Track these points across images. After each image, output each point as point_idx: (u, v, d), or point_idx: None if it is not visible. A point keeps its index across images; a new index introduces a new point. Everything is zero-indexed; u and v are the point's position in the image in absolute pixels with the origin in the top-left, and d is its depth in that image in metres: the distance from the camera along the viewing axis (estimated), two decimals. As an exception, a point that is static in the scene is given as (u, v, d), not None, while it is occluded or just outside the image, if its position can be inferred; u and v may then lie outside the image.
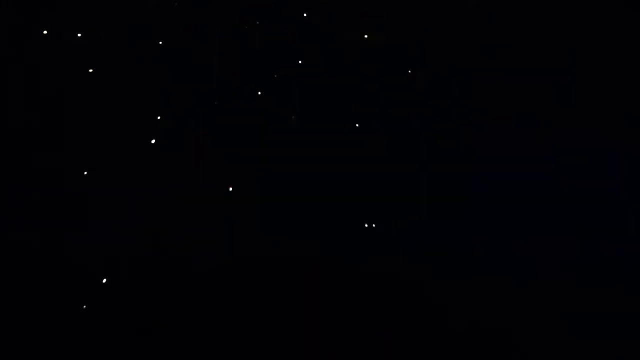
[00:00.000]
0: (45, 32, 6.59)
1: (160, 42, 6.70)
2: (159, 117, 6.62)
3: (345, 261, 6.45)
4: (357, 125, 6.73)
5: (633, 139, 6.76)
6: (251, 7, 6.75)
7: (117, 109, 6.74)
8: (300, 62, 6.73)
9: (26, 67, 6.64)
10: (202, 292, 6.47)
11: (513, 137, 6.91)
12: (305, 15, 6.73)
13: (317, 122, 6.71)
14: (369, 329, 6.35)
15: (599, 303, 6.44)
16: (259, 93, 6.70)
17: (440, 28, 6.84)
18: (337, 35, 6.79)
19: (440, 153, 6.84)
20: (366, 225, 6.66)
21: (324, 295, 6.46)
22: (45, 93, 6.68)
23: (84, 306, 6.23)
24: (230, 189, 6.53)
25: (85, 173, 6.63)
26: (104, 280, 6.38)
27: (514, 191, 6.79)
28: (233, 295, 6.57)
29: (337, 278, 6.46)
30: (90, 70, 6.60)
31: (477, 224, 6.74)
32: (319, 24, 6.78)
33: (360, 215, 6.64)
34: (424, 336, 6.33)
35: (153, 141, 6.64)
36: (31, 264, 6.36)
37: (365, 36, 6.61)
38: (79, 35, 6.64)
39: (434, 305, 6.43)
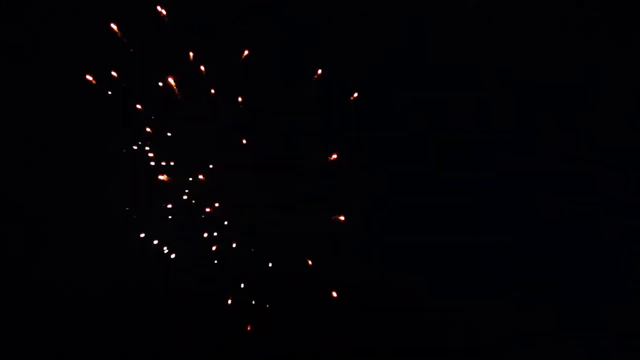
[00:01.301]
0: (44, 31, 6.55)
1: (159, 43, 6.67)
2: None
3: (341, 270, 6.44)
4: (357, 125, 6.70)
5: (631, 139, 6.75)
6: (251, 7, 6.71)
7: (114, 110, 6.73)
8: (300, 62, 6.70)
9: (25, 67, 6.61)
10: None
11: (513, 137, 6.88)
12: (305, 15, 6.69)
13: (316, 123, 6.69)
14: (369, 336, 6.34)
15: (597, 304, 6.45)
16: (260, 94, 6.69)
17: (441, 28, 6.80)
18: (338, 35, 6.76)
19: (440, 153, 6.83)
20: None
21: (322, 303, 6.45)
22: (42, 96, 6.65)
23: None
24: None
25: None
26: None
27: (512, 190, 6.78)
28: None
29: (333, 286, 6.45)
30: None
31: (476, 223, 6.74)
32: (319, 24, 6.74)
33: (359, 218, 6.63)
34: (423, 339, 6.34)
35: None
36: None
37: None
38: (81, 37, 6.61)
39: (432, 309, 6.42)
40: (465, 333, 6.47)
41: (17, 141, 6.72)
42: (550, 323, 6.45)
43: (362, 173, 6.84)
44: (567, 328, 6.46)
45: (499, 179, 6.76)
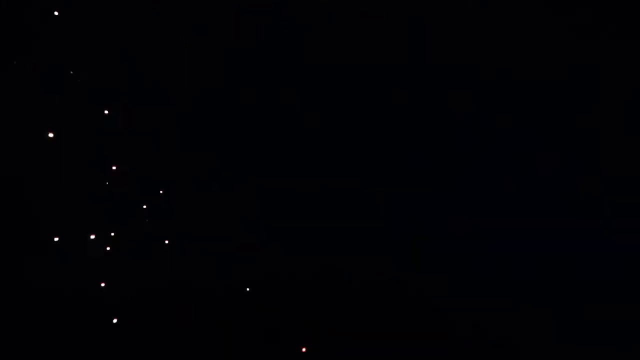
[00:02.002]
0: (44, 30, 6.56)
1: (160, 42, 6.68)
2: None
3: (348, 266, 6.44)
4: (357, 123, 6.72)
5: (630, 140, 6.78)
6: (251, 7, 6.74)
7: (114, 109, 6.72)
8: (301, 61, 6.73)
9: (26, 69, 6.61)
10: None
11: (512, 138, 6.91)
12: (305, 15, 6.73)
13: (317, 122, 6.71)
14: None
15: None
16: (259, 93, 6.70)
17: (440, 28, 6.84)
18: (338, 35, 6.79)
19: (440, 153, 6.85)
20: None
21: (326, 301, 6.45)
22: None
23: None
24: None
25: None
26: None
27: (513, 189, 6.80)
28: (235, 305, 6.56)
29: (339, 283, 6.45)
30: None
31: (476, 222, 6.75)
32: (319, 23, 6.78)
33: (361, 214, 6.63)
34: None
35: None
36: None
37: None
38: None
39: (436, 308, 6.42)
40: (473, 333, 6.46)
41: None
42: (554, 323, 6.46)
43: (361, 173, 6.86)
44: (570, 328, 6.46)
45: (500, 179, 6.77)
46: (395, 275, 6.63)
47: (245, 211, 6.77)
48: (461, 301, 6.48)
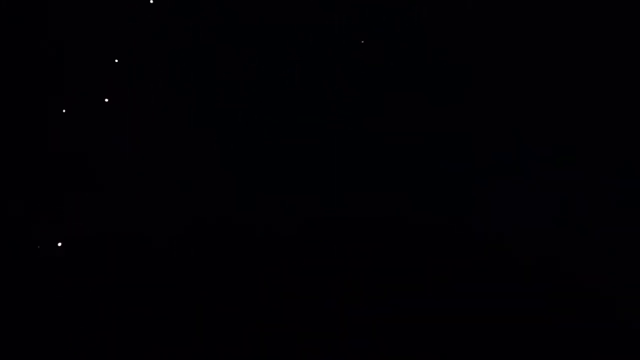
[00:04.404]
0: (46, 30, 6.60)
1: (162, 43, 6.71)
2: None
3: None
4: (355, 124, 6.75)
5: (631, 140, 6.79)
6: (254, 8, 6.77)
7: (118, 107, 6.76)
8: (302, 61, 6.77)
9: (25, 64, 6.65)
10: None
11: (512, 139, 6.93)
12: (307, 15, 6.77)
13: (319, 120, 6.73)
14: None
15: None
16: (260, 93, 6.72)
17: (441, 28, 6.87)
18: (339, 36, 6.82)
19: (440, 153, 6.87)
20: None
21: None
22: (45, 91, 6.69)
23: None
24: None
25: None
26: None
27: (514, 190, 6.82)
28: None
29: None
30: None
31: (476, 222, 6.76)
32: (320, 24, 6.82)
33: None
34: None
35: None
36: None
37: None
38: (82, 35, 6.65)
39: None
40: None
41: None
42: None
43: (359, 174, 6.88)
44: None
45: (499, 179, 6.78)
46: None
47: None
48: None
